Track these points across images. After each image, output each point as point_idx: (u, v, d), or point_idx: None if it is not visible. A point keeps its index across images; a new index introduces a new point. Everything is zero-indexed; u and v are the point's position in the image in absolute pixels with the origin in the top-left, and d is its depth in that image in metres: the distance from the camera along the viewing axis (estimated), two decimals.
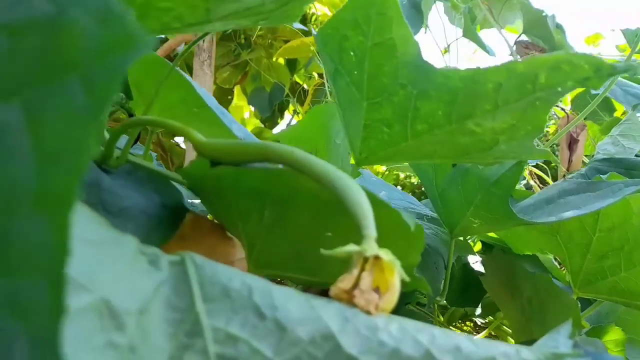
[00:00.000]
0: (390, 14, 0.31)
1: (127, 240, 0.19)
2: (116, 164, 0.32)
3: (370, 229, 0.22)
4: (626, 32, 1.02)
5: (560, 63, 0.26)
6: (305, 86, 2.16)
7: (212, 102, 0.42)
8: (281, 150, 0.26)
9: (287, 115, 2.26)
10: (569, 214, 0.36)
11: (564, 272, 0.64)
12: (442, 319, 0.63)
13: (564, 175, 0.97)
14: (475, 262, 0.62)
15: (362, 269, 0.21)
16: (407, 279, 0.21)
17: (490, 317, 0.63)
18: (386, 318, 0.20)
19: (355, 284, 0.21)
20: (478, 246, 0.69)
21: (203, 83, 1.71)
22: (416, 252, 0.27)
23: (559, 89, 0.27)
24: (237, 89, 2.23)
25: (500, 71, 0.27)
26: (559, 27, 1.38)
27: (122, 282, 0.16)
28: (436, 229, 0.52)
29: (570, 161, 1.01)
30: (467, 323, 0.76)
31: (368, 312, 0.20)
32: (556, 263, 0.68)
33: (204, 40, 1.54)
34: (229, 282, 0.20)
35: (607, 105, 1.31)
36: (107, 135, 0.32)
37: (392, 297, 0.21)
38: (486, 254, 0.55)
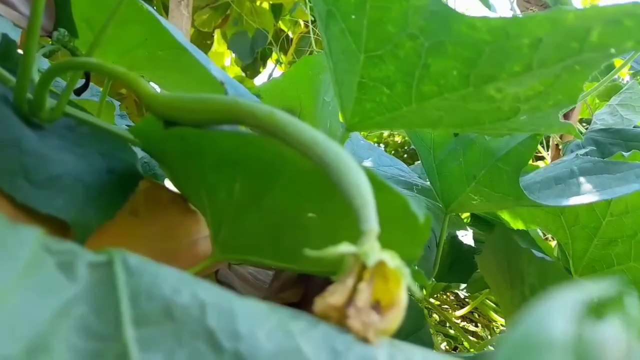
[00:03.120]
0: None
1: (23, 238, 0.13)
2: (50, 117, 0.25)
3: (371, 222, 0.17)
4: None
5: (623, 16, 0.20)
6: (290, 34, 2.04)
7: (182, 39, 0.35)
8: (257, 112, 0.20)
9: (270, 64, 2.15)
10: (586, 198, 0.32)
11: (554, 247, 0.60)
12: (424, 292, 0.60)
13: (557, 145, 0.93)
14: (465, 235, 0.58)
15: (359, 278, 0.16)
16: (417, 293, 0.16)
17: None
18: (389, 347, 0.15)
19: (350, 299, 0.16)
20: (466, 217, 0.65)
21: (179, 25, 1.59)
22: (420, 245, 0.22)
23: (612, 50, 0.22)
24: (217, 34, 2.10)
25: (543, 22, 0.21)
26: None
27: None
28: (428, 202, 0.47)
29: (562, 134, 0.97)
30: (448, 295, 0.73)
31: (365, 339, 0.15)
32: (540, 234, 0.64)
33: None
34: (174, 296, 0.14)
35: (606, 68, 1.26)
36: (36, 79, 0.25)
37: (397, 316, 0.16)
38: (482, 234, 0.51)
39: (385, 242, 0.18)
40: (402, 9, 0.26)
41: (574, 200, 0.32)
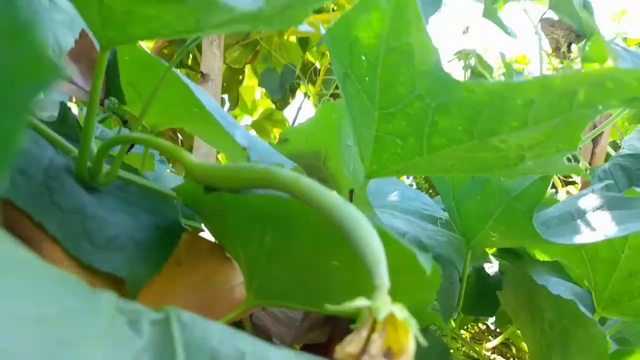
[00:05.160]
0: (409, 15, 0.27)
1: (102, 301, 0.17)
2: (105, 180, 0.29)
3: (383, 278, 0.20)
4: None
5: (604, 79, 0.23)
6: (317, 65, 2.11)
7: (210, 103, 0.39)
8: (285, 178, 0.23)
9: (299, 94, 2.21)
10: (600, 234, 0.33)
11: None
12: (453, 324, 0.61)
13: (586, 169, 0.92)
14: (491, 267, 0.59)
15: (372, 329, 0.18)
16: (424, 342, 0.18)
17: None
18: None
19: (364, 348, 0.18)
20: (492, 248, 0.66)
21: (212, 63, 1.67)
22: (431, 291, 0.25)
23: (600, 107, 0.24)
24: (248, 69, 2.19)
25: (533, 86, 0.24)
26: (586, 4, 1.30)
27: None
28: (450, 236, 0.49)
29: (593, 153, 0.96)
30: (479, 326, 0.74)
31: None
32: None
33: None
34: (219, 346, 0.17)
35: None
36: (94, 149, 0.29)
37: None
38: (506, 266, 0.52)
39: (399, 287, 0.20)
40: (410, 73, 0.29)
41: (587, 238, 0.33)
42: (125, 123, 0.39)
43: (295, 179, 0.23)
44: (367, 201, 0.44)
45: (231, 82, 1.95)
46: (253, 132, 2.16)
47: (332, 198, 0.22)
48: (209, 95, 0.39)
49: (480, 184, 0.39)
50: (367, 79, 0.32)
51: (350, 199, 0.45)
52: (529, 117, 0.26)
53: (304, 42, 1.98)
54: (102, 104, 0.37)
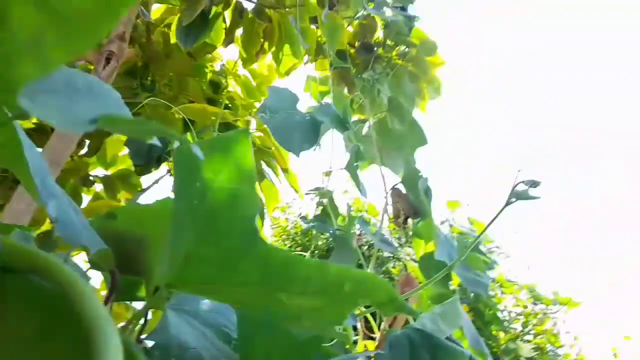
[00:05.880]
0: (243, 169, 0.32)
1: None
2: None
3: None
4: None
5: (366, 280, 0.28)
6: None
7: (35, 162, 0.38)
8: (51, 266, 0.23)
9: (164, 168, 2.17)
10: None
11: None
12: None
13: (384, 330, 1.02)
14: None
15: None
16: None
17: None
18: None
19: None
20: None
21: None
22: None
23: (359, 301, 0.29)
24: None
25: (313, 266, 0.28)
26: (427, 191, 1.54)
27: None
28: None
29: (395, 318, 1.08)
30: None
31: None
32: None
33: (104, 67, 1.46)
34: None
35: (446, 273, 1.44)
36: None
37: None
38: None
39: None
40: (230, 213, 0.32)
41: None
42: None
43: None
44: (163, 306, 0.44)
45: (100, 130, 1.85)
46: (100, 186, 2.02)
47: (92, 310, 0.23)
48: (38, 152, 0.38)
49: (270, 324, 0.42)
50: (195, 202, 0.35)
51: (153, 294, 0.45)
52: (307, 289, 0.30)
53: (187, 125, 2.00)
54: None
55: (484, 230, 0.73)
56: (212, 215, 0.33)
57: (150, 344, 0.52)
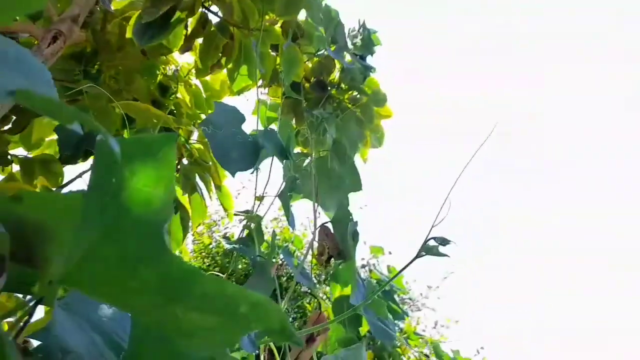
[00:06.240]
0: (162, 174, 0.31)
1: None
2: None
3: None
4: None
5: (261, 304, 0.28)
6: None
7: None
8: None
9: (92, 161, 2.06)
10: None
11: None
12: None
13: None
14: None
15: None
16: None
17: None
18: None
19: None
20: None
21: None
22: None
23: (252, 325, 0.29)
24: None
25: (212, 282, 0.28)
26: (354, 235, 1.56)
27: None
28: None
29: (299, 353, 1.07)
30: None
31: None
32: None
33: (48, 45, 1.39)
34: None
35: (356, 318, 1.46)
36: None
37: None
38: None
39: None
40: (136, 213, 0.32)
41: None
42: None
43: None
44: (52, 303, 0.42)
45: (29, 109, 1.74)
46: (17, 168, 1.88)
47: None
48: None
49: (163, 340, 0.41)
50: (108, 198, 0.34)
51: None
52: (203, 305, 0.30)
53: (127, 122, 1.93)
54: None
55: (390, 280, 0.76)
56: (122, 214, 0.32)
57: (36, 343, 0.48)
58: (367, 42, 2.15)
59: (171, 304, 0.32)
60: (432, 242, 0.53)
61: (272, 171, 1.37)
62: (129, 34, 1.57)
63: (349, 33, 2.13)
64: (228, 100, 1.88)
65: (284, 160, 1.30)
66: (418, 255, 0.56)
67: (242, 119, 1.08)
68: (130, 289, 0.33)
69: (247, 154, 1.21)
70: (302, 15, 1.79)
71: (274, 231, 1.16)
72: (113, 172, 0.32)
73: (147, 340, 0.43)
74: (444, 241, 0.53)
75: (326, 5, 1.91)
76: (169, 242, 0.27)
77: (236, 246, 1.05)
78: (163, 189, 0.31)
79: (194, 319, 0.32)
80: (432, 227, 0.53)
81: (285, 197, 1.19)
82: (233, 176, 1.05)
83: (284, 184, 1.23)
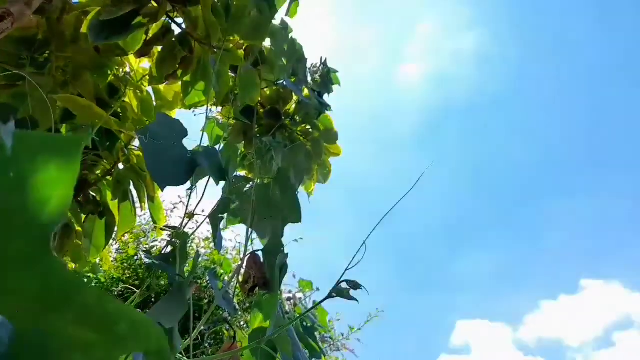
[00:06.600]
0: (64, 176, 0.30)
1: None
2: None
3: None
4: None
5: (142, 324, 0.27)
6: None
7: None
8: None
9: None
10: None
11: None
12: None
13: None
14: None
15: None
16: None
17: None
18: None
19: None
20: None
21: None
22: None
23: (129, 345, 0.28)
24: None
25: (93, 295, 0.27)
26: (283, 267, 1.54)
27: None
28: None
29: None
30: None
31: None
32: None
33: None
34: None
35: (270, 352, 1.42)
36: None
37: None
38: None
39: None
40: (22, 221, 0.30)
41: None
42: None
43: None
44: None
45: None
46: None
47: None
48: None
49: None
50: (2, 193, 0.32)
51: None
52: (83, 318, 0.28)
53: (65, 116, 1.85)
54: None
55: (300, 316, 0.76)
56: (13, 211, 0.30)
57: None
58: (327, 80, 2.20)
59: (51, 313, 0.30)
60: (343, 285, 0.54)
61: (208, 190, 1.35)
62: (84, 29, 1.53)
63: (310, 68, 2.18)
64: (180, 113, 1.85)
65: (220, 182, 1.29)
66: (329, 296, 0.56)
67: (183, 132, 1.06)
68: (9, 292, 0.31)
69: (181, 170, 1.18)
70: (267, 43, 1.82)
71: (197, 251, 1.13)
72: (11, 166, 0.31)
73: (24, 349, 0.40)
74: (355, 285, 0.54)
75: (292, 38, 1.95)
76: (53, 247, 0.26)
77: (155, 262, 1.01)
78: (61, 192, 0.30)
79: (73, 333, 0.31)
80: (346, 269, 0.53)
81: (215, 218, 1.17)
82: (162, 190, 1.03)
83: (217, 205, 1.21)
